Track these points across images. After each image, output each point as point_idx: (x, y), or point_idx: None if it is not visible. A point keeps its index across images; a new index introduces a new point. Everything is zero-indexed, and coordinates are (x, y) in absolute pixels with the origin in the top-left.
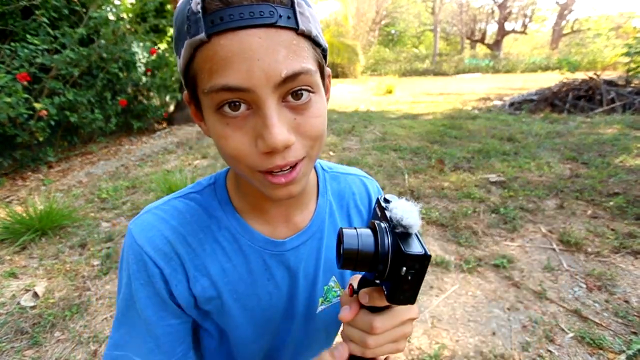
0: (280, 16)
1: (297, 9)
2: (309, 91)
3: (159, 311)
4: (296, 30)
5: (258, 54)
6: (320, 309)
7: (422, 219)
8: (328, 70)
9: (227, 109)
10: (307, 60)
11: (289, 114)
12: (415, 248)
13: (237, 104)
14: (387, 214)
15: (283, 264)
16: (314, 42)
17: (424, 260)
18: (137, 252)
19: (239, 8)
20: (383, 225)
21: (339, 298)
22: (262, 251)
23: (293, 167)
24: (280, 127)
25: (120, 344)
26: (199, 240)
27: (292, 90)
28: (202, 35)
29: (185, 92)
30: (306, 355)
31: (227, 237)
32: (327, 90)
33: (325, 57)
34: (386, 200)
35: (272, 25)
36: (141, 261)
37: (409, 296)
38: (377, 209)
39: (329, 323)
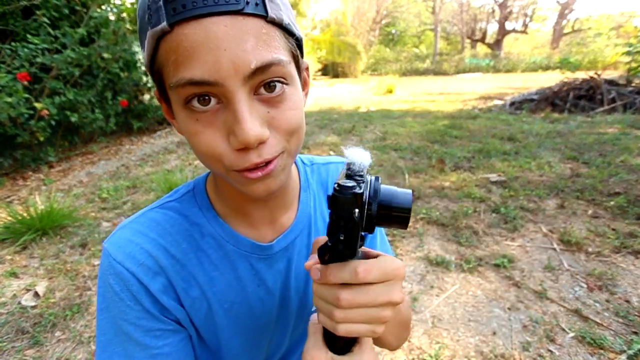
0: (248, 3)
1: None
2: (282, 82)
3: (154, 331)
4: (265, 17)
5: (225, 44)
6: (315, 307)
7: (422, 218)
8: (305, 62)
9: (195, 103)
10: (278, 51)
11: (261, 108)
12: (345, 183)
13: (207, 97)
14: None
15: (272, 268)
16: (286, 31)
17: (344, 199)
18: (118, 271)
19: None
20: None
21: None
22: (250, 256)
23: (269, 162)
24: (252, 121)
25: None
26: (182, 250)
27: (263, 82)
28: (164, 25)
29: (155, 89)
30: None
31: (211, 244)
32: (305, 85)
33: (300, 47)
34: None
35: (239, 13)
36: (122, 280)
37: (345, 247)
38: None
39: None
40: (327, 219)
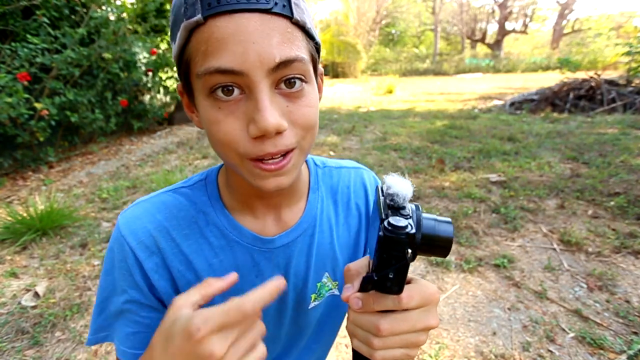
0: (276, 3)
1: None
2: (302, 80)
3: (137, 301)
4: (290, 19)
5: (253, 37)
6: (312, 305)
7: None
8: (321, 68)
9: (220, 93)
10: (300, 49)
11: (281, 101)
12: (398, 222)
13: (230, 88)
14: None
15: (272, 262)
16: (307, 34)
17: (398, 240)
18: (121, 243)
19: None
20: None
21: (332, 292)
22: (251, 248)
23: (284, 155)
24: (272, 110)
25: (103, 326)
26: (184, 235)
27: (285, 77)
28: (199, 17)
29: (179, 83)
30: (298, 347)
31: (215, 233)
32: (319, 89)
33: (318, 51)
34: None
35: (268, 11)
36: (123, 252)
37: (394, 284)
38: (380, 197)
39: (322, 317)
40: (333, 224)
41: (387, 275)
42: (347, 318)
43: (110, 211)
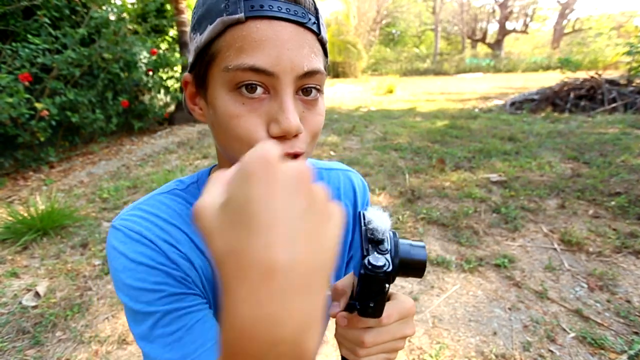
0: (310, 19)
1: (320, 19)
2: (318, 90)
3: (177, 295)
4: (317, 35)
5: (288, 45)
6: None
7: (423, 218)
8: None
9: (244, 90)
10: (321, 63)
11: (300, 106)
12: (377, 261)
13: (254, 86)
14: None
15: None
16: (325, 51)
17: (376, 277)
18: (136, 239)
19: (279, 2)
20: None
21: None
22: None
23: (294, 158)
24: (294, 113)
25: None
26: (193, 230)
27: (305, 85)
28: (241, 15)
29: (187, 73)
30: None
31: None
32: None
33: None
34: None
35: (302, 25)
36: (143, 245)
37: (374, 310)
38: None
39: None
40: None
41: (368, 305)
42: (335, 329)
43: (111, 211)
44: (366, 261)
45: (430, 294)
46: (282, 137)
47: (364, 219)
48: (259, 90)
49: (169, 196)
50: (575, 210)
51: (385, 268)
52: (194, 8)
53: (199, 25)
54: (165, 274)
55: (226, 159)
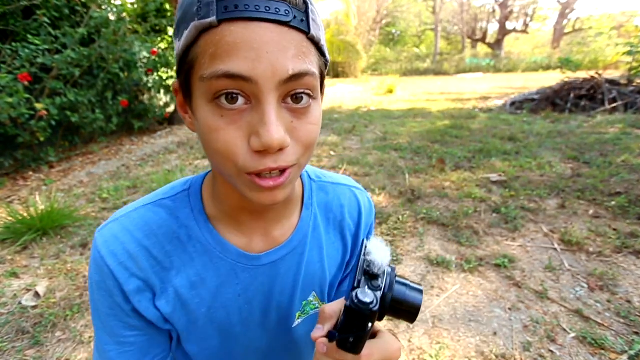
0: (295, 17)
1: (310, 15)
2: (309, 96)
3: (120, 322)
4: (307, 34)
5: (268, 47)
6: (296, 323)
7: (423, 218)
8: (325, 84)
9: (223, 100)
10: (312, 64)
11: (287, 116)
12: (364, 297)
13: (235, 96)
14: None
15: (257, 280)
16: (320, 51)
17: (359, 314)
18: (99, 264)
19: (256, 0)
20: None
21: (317, 310)
22: (235, 265)
23: (282, 171)
24: (277, 125)
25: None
26: (165, 252)
27: (293, 91)
28: (213, 19)
29: (175, 80)
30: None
31: (197, 249)
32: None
33: (326, 68)
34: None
35: (286, 24)
36: (102, 273)
37: (353, 346)
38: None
39: (307, 335)
40: (323, 242)
41: (347, 338)
42: (315, 352)
43: (111, 211)
44: (354, 294)
45: (430, 294)
46: (264, 152)
47: (365, 248)
48: (240, 100)
49: (154, 209)
50: (576, 210)
51: (371, 306)
52: (176, 12)
53: (177, 30)
54: (115, 305)
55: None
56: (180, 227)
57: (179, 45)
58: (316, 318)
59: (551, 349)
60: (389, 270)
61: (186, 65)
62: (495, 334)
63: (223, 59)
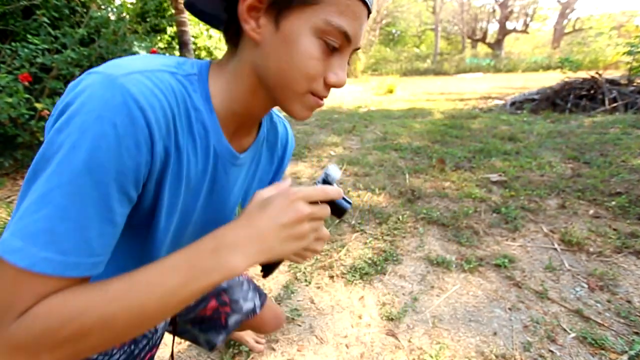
0: (372, 4)
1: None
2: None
3: (121, 191)
4: (367, 16)
5: (363, 23)
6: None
7: (423, 218)
8: None
9: (330, 42)
10: None
11: None
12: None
13: (337, 44)
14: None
15: (230, 175)
16: None
17: None
18: (135, 116)
19: None
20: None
21: None
22: (221, 156)
23: (321, 99)
24: (345, 72)
25: (32, 232)
26: (181, 126)
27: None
28: None
29: None
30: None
31: (200, 134)
32: None
33: None
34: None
35: (369, 10)
36: (136, 126)
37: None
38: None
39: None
40: (262, 158)
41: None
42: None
43: None
44: (323, 173)
45: (430, 294)
46: (332, 86)
47: (327, 168)
48: (335, 47)
49: (173, 79)
50: (576, 210)
51: (330, 179)
52: None
53: None
54: (129, 169)
55: (262, 77)
56: (191, 106)
57: None
58: None
59: (551, 349)
60: (338, 185)
61: None
62: (495, 334)
63: (347, 21)
